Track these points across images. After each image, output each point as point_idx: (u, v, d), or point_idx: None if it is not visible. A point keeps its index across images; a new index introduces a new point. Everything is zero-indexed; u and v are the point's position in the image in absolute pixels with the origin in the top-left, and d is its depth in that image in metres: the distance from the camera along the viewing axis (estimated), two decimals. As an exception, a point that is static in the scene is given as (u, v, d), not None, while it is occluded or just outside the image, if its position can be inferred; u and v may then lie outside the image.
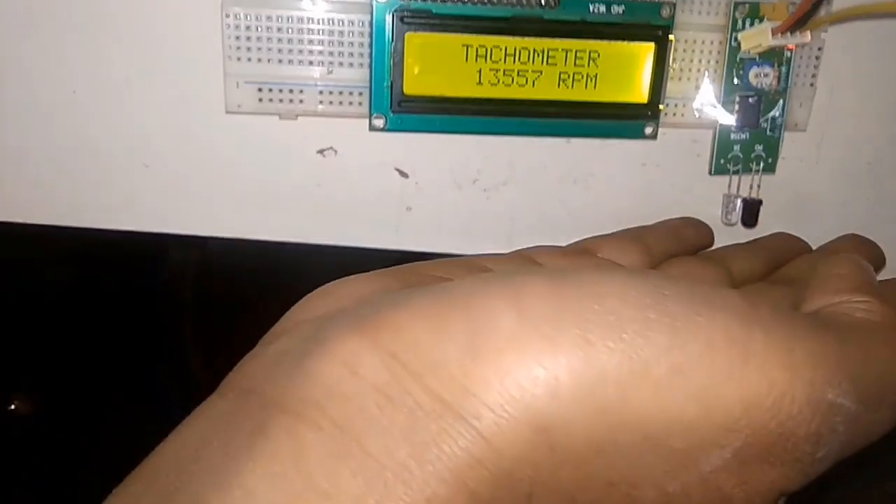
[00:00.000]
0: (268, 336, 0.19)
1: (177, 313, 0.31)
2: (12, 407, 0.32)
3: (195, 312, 0.31)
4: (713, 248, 0.31)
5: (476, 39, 0.26)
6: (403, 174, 0.29)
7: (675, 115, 0.29)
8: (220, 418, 0.16)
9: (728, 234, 0.31)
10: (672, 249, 0.27)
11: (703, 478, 0.15)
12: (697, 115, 0.29)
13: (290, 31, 0.26)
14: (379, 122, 0.27)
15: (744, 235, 0.31)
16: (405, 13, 0.25)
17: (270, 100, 0.26)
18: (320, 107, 0.27)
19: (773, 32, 0.26)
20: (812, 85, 0.30)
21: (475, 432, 0.14)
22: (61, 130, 0.27)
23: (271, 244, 0.29)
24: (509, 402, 0.14)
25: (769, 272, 0.28)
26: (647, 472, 0.15)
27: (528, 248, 0.25)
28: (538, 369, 0.14)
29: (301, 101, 0.27)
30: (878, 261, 0.30)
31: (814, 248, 0.32)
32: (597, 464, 0.14)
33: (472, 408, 0.14)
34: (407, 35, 0.25)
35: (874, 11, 0.24)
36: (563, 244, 0.31)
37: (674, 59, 0.28)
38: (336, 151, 0.28)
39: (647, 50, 0.27)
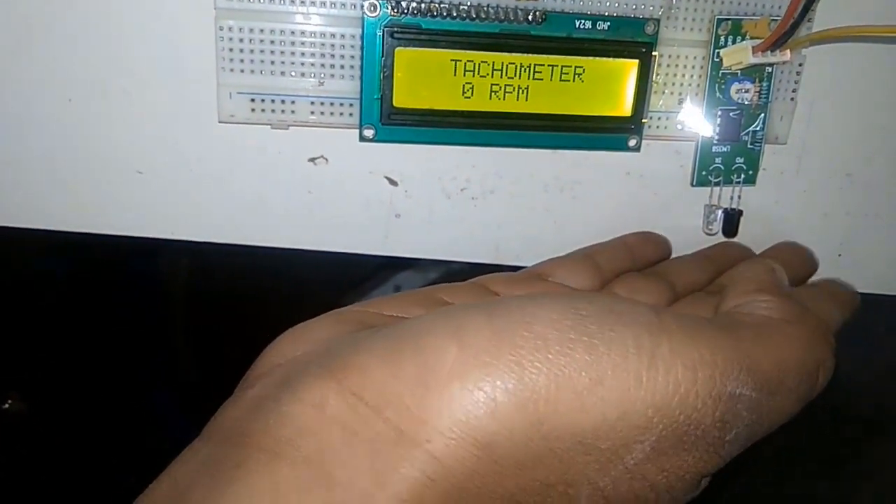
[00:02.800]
0: (246, 380, 0.21)
1: (169, 316, 0.32)
2: (6, 406, 0.32)
3: (187, 316, 0.32)
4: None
5: (464, 55, 0.26)
6: (393, 182, 0.30)
7: (658, 127, 0.30)
8: (205, 461, 0.17)
9: (709, 243, 0.32)
10: (624, 266, 0.29)
11: (629, 470, 0.17)
12: (680, 128, 0.30)
13: (282, 43, 0.26)
14: (369, 133, 0.27)
15: (724, 245, 0.32)
16: (395, 28, 0.26)
17: (263, 110, 0.27)
18: (311, 117, 0.27)
19: (754, 51, 0.27)
20: (793, 99, 0.31)
21: (428, 455, 0.16)
22: (56, 138, 0.27)
23: (263, 250, 0.29)
24: (456, 425, 0.16)
25: (711, 281, 0.30)
26: (580, 471, 0.17)
27: (483, 277, 0.27)
28: (479, 394, 0.16)
29: (293, 112, 0.27)
30: (810, 265, 0.32)
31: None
32: (536, 469, 0.16)
33: (425, 433, 0.16)
34: (397, 50, 0.26)
35: (854, 34, 0.25)
36: (549, 251, 0.32)
37: (657, 74, 0.29)
38: (327, 160, 0.29)
39: (631, 66, 0.27)
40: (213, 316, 0.32)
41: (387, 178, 0.30)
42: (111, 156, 0.27)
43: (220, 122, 0.27)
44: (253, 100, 0.27)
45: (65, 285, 0.30)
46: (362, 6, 0.26)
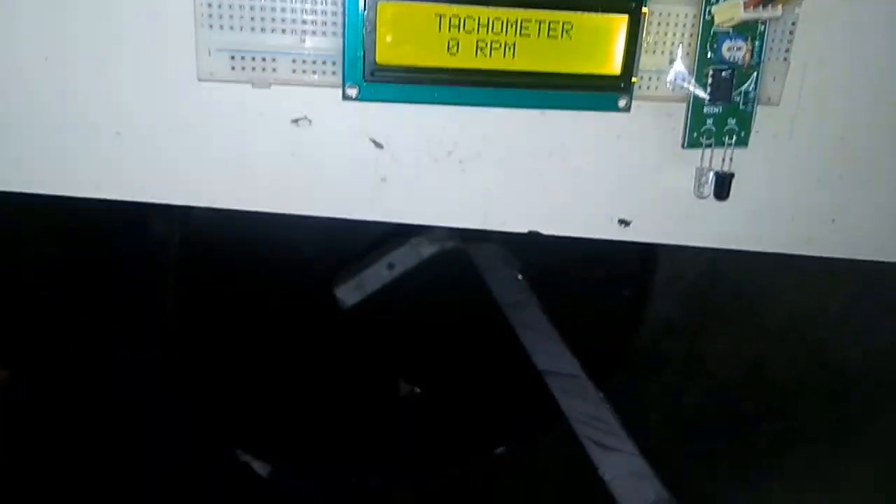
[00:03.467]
0: None
1: (152, 279, 0.31)
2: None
3: (171, 278, 0.32)
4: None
5: (449, 9, 0.26)
6: (378, 145, 0.29)
7: (648, 88, 0.29)
8: None
9: (700, 207, 0.32)
10: None
11: None
12: (671, 88, 0.29)
13: (262, -2, 0.26)
14: (352, 92, 0.27)
15: (716, 208, 0.32)
16: (377, -19, 0.25)
17: (243, 68, 0.26)
18: (293, 75, 0.27)
19: (745, 6, 0.26)
20: (785, 59, 0.30)
21: None
22: (32, 97, 0.26)
23: (246, 214, 0.29)
24: None
25: None
26: None
27: None
28: None
29: (274, 70, 0.27)
30: None
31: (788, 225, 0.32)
32: None
33: None
34: (380, 4, 0.25)
35: None
36: (538, 216, 0.32)
37: (647, 32, 0.28)
38: (310, 121, 0.28)
39: (620, 22, 0.27)
40: (196, 277, 0.31)
41: (372, 140, 0.29)
42: (89, 116, 0.27)
43: (199, 80, 0.26)
44: (233, 57, 0.26)
45: (42, 248, 0.29)
46: (344, -40, 0.25)
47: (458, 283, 0.65)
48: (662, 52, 0.29)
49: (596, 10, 0.27)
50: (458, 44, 0.26)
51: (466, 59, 0.26)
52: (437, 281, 0.64)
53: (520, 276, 0.62)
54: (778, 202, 0.33)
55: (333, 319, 0.62)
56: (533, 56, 0.27)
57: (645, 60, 0.29)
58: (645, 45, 0.28)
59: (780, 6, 0.26)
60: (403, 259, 0.69)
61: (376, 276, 0.69)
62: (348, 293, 0.68)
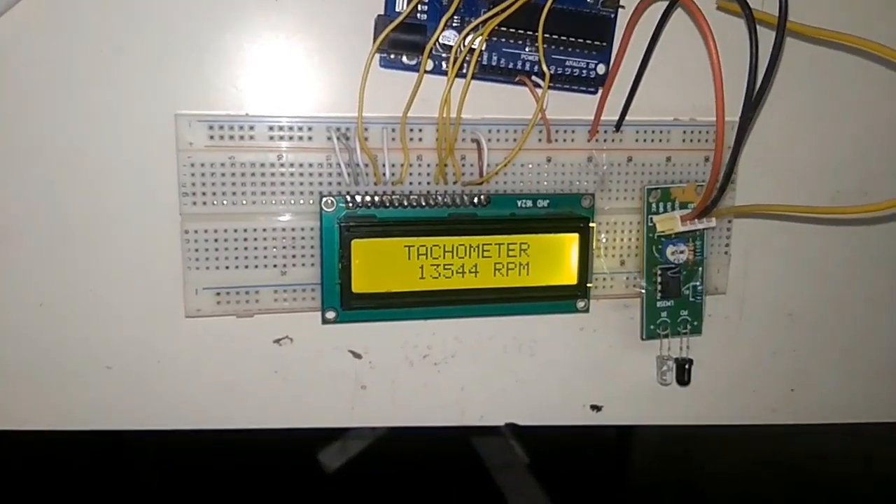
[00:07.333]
0: None
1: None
2: None
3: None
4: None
5: (417, 241, 0.28)
6: (357, 355, 0.31)
7: (604, 287, 0.32)
8: None
9: (665, 394, 0.34)
10: None
11: None
12: (625, 287, 0.32)
13: (245, 240, 0.28)
14: (331, 315, 0.29)
15: (681, 390, 0.33)
16: (351, 222, 0.28)
17: (228, 302, 0.28)
18: (275, 304, 0.29)
19: (682, 220, 0.29)
20: (727, 253, 0.33)
21: None
22: (27, 341, 0.28)
23: (231, 433, 0.30)
24: None
25: None
26: None
27: None
28: None
29: (257, 301, 0.29)
30: None
31: (750, 398, 0.34)
32: None
33: None
34: (353, 242, 0.28)
35: (771, 212, 0.27)
36: (513, 409, 0.33)
37: (598, 240, 0.31)
38: (292, 340, 0.30)
39: (571, 240, 0.30)
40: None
41: (350, 351, 0.31)
42: (81, 354, 0.28)
43: (186, 317, 0.28)
44: (218, 293, 0.28)
45: (38, 484, 0.30)
46: (320, 201, 0.28)
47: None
48: (614, 256, 0.32)
49: (549, 231, 0.29)
50: (426, 269, 0.29)
51: (435, 282, 0.29)
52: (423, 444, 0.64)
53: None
54: (738, 378, 0.35)
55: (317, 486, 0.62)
56: (495, 274, 0.29)
57: (598, 264, 0.31)
58: (596, 251, 0.31)
59: (713, 218, 0.29)
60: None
61: (359, 435, 0.69)
62: (331, 456, 0.67)
